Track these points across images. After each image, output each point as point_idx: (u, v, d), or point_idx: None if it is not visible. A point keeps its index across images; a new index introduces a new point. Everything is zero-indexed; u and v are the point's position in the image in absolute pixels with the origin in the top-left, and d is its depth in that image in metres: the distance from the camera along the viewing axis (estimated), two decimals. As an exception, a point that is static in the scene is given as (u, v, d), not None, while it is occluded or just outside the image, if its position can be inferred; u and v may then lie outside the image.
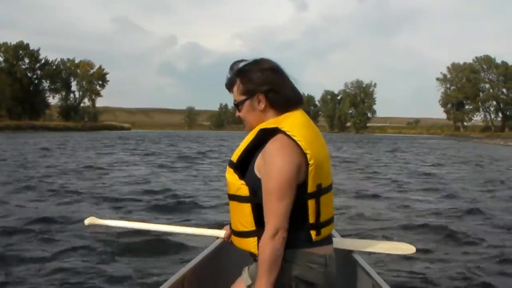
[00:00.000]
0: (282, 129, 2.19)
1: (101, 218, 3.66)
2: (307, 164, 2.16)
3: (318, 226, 2.24)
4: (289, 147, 2.16)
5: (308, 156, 2.16)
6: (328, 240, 2.33)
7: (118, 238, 6.76)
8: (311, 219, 2.22)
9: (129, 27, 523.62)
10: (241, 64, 2.36)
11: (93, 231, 6.85)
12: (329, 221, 2.32)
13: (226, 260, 3.23)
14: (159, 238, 6.68)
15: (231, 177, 2.31)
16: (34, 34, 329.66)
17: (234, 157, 2.31)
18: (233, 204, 2.32)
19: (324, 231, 2.28)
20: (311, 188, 2.19)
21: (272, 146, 2.18)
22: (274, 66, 2.34)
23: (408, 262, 6.19)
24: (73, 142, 40.75)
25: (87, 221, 3.56)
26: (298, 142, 2.16)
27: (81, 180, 14.21)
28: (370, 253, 3.31)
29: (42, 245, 6.57)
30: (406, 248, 3.22)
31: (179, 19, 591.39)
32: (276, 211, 2.13)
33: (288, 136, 2.18)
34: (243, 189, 2.26)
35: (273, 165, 2.15)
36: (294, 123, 2.23)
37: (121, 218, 7.52)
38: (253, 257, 2.32)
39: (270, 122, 2.25)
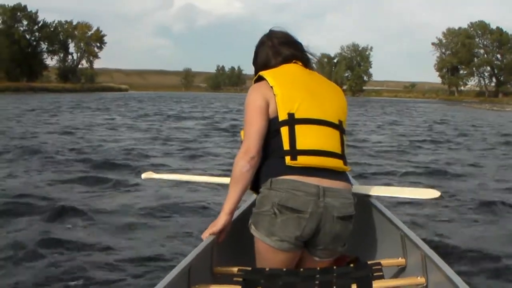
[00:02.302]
0: (262, 75, 2.54)
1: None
2: (275, 96, 2.44)
3: (293, 152, 2.35)
4: (260, 84, 2.52)
5: (274, 88, 2.44)
6: (326, 174, 2.38)
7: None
8: (285, 146, 2.36)
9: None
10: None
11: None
12: (317, 153, 2.38)
13: None
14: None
15: None
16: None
17: None
18: None
19: (306, 160, 2.36)
20: (281, 116, 2.41)
21: (250, 88, 2.58)
22: (260, 39, 2.73)
23: (432, 209, 6.00)
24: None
25: (144, 175, 3.61)
26: (267, 79, 2.49)
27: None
28: (391, 198, 3.24)
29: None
30: (430, 193, 3.07)
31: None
32: (247, 134, 2.43)
33: (265, 79, 2.51)
34: None
35: (246, 100, 2.51)
36: (275, 70, 2.58)
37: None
38: None
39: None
